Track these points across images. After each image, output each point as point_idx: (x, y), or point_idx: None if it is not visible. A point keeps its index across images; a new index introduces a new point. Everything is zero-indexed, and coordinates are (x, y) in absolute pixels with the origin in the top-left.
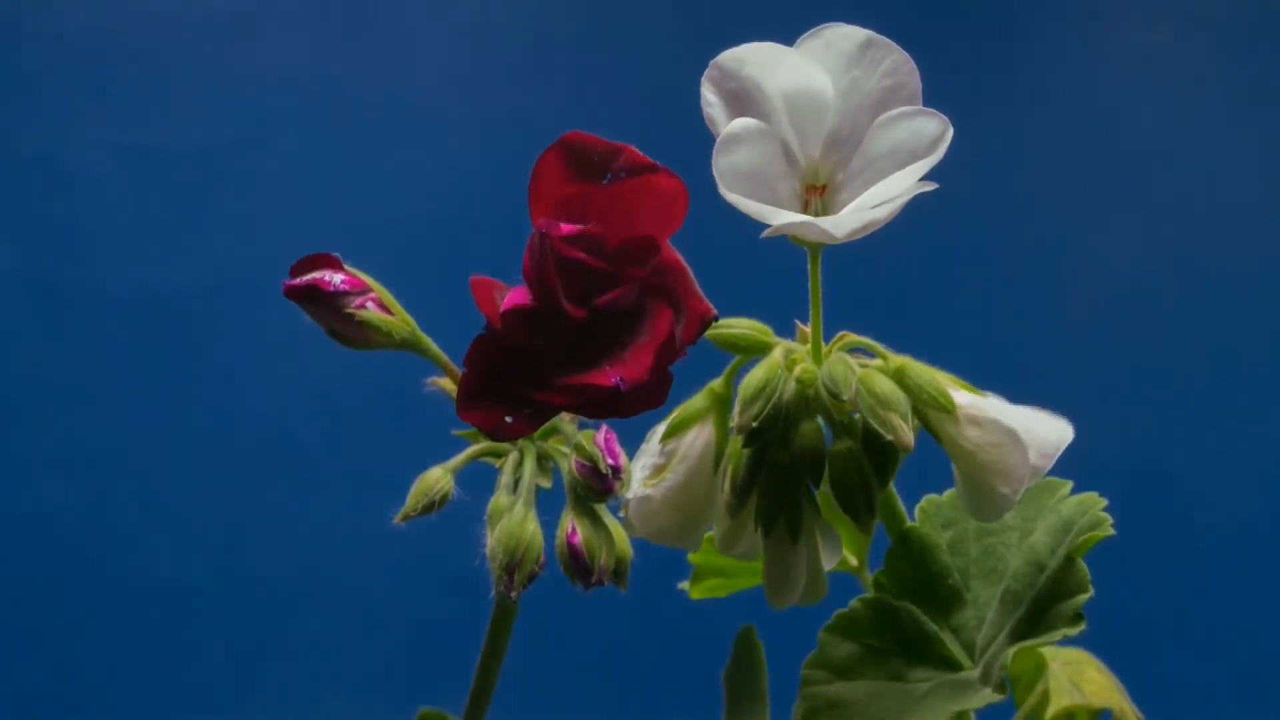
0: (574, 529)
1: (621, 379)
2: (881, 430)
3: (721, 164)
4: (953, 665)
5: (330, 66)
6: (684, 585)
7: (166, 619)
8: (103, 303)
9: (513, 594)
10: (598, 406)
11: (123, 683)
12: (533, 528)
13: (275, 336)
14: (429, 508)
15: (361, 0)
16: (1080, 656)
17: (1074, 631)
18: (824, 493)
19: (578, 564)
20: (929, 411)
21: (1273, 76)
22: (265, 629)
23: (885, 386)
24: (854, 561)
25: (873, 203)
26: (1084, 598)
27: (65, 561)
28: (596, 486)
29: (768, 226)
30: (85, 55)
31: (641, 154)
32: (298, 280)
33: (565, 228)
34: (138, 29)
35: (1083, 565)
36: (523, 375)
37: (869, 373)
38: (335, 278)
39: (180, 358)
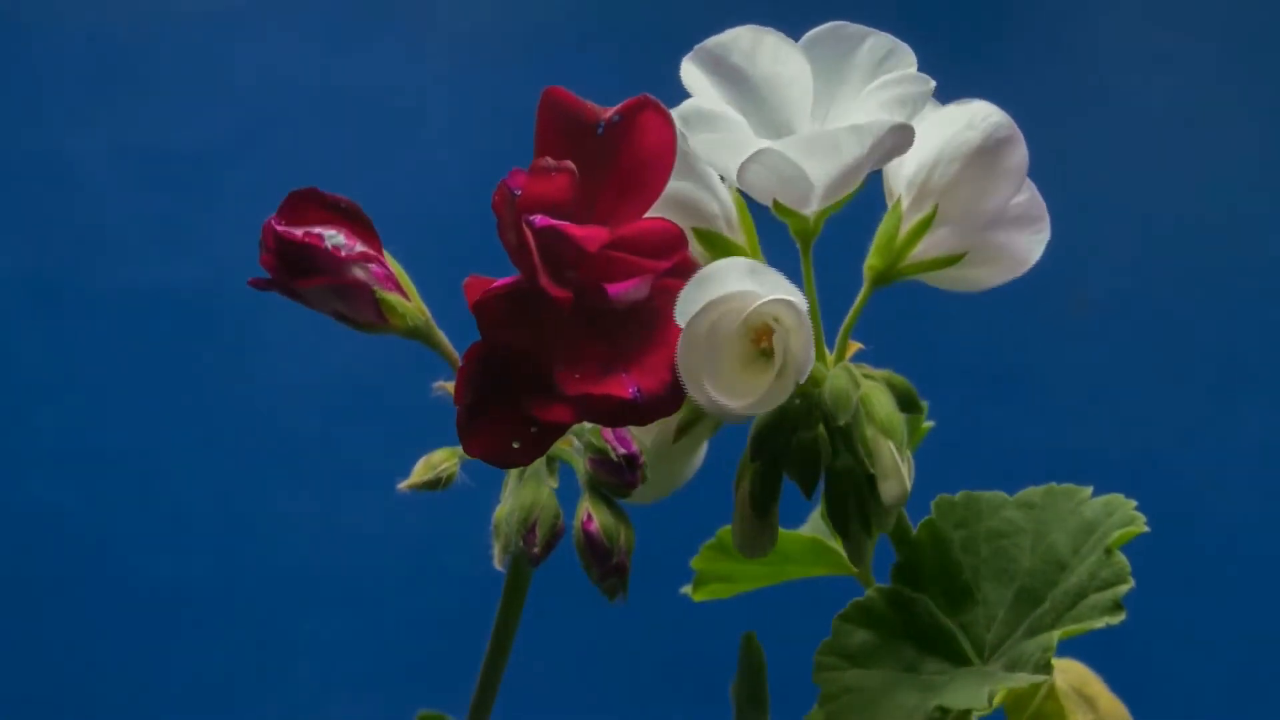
0: (589, 516)
1: (638, 390)
2: (868, 463)
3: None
4: (964, 661)
5: (330, 66)
6: (686, 590)
7: (166, 619)
8: (103, 303)
9: (536, 550)
10: (610, 417)
11: (123, 682)
12: (547, 493)
13: (276, 336)
14: (434, 484)
15: (362, 0)
16: (1081, 669)
17: (1115, 621)
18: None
19: (595, 549)
20: None
21: (1272, 75)
22: (266, 629)
23: (886, 411)
24: (856, 567)
25: (843, 124)
26: (1125, 588)
27: (64, 561)
28: (615, 480)
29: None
30: (85, 55)
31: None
32: (292, 234)
33: (523, 182)
34: (138, 29)
35: (1122, 557)
36: (522, 386)
37: (872, 390)
38: (335, 237)
39: (180, 358)
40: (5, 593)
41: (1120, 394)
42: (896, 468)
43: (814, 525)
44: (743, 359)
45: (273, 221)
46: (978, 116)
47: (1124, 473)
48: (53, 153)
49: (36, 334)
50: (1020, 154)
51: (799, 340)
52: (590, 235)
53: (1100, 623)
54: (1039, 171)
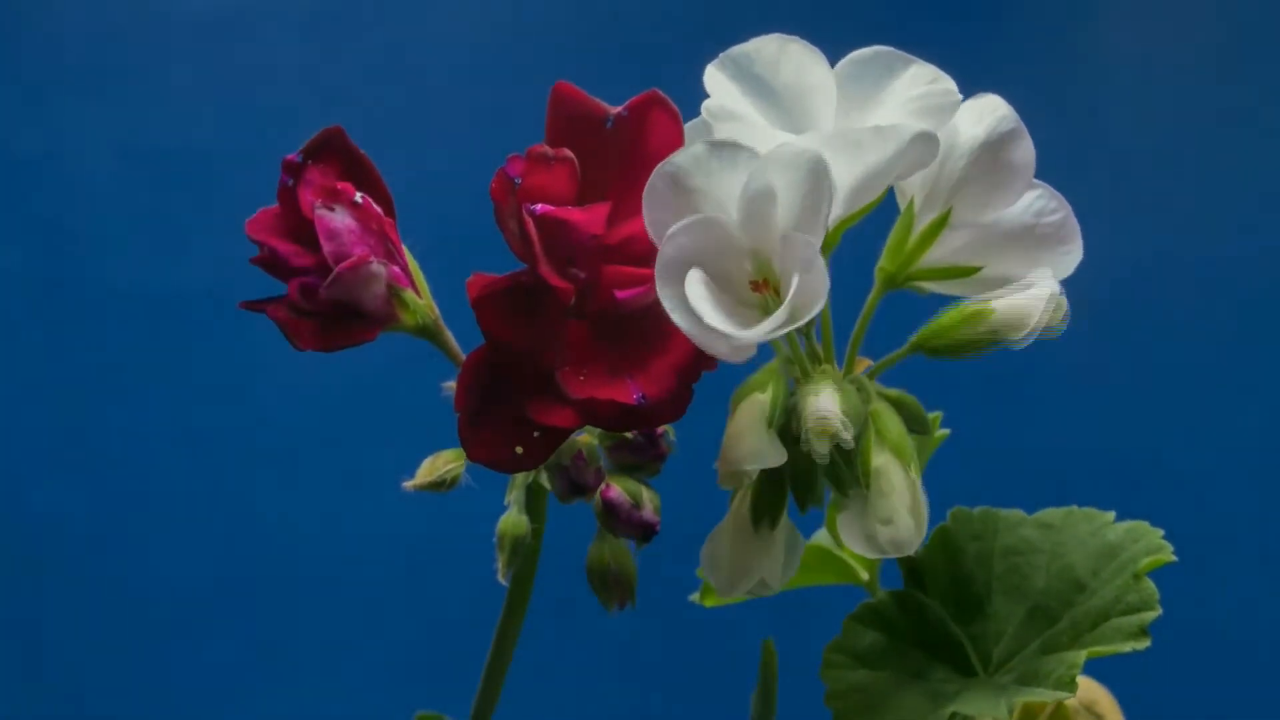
0: (608, 486)
1: (643, 396)
2: (864, 483)
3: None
4: (969, 671)
5: (330, 66)
6: (695, 597)
7: (167, 619)
8: (103, 303)
9: (599, 465)
10: (612, 422)
11: (123, 683)
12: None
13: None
14: (439, 485)
15: (362, 0)
16: (1092, 686)
17: (1141, 646)
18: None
19: (617, 509)
20: None
21: (1266, 76)
22: (266, 630)
23: (897, 432)
24: (864, 576)
25: (869, 123)
26: (1152, 615)
27: (65, 562)
28: (637, 459)
29: None
30: (85, 55)
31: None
32: (321, 208)
33: (521, 169)
34: (138, 29)
35: (1150, 584)
36: (523, 389)
37: (883, 410)
38: (346, 218)
39: (180, 358)
40: (5, 593)
41: (1120, 396)
42: (907, 510)
43: (824, 535)
44: (740, 303)
45: (297, 158)
46: (985, 111)
47: (1124, 475)
48: (53, 153)
49: (36, 334)
50: (1025, 149)
51: (808, 213)
52: (591, 218)
53: (1126, 647)
54: (1038, 172)
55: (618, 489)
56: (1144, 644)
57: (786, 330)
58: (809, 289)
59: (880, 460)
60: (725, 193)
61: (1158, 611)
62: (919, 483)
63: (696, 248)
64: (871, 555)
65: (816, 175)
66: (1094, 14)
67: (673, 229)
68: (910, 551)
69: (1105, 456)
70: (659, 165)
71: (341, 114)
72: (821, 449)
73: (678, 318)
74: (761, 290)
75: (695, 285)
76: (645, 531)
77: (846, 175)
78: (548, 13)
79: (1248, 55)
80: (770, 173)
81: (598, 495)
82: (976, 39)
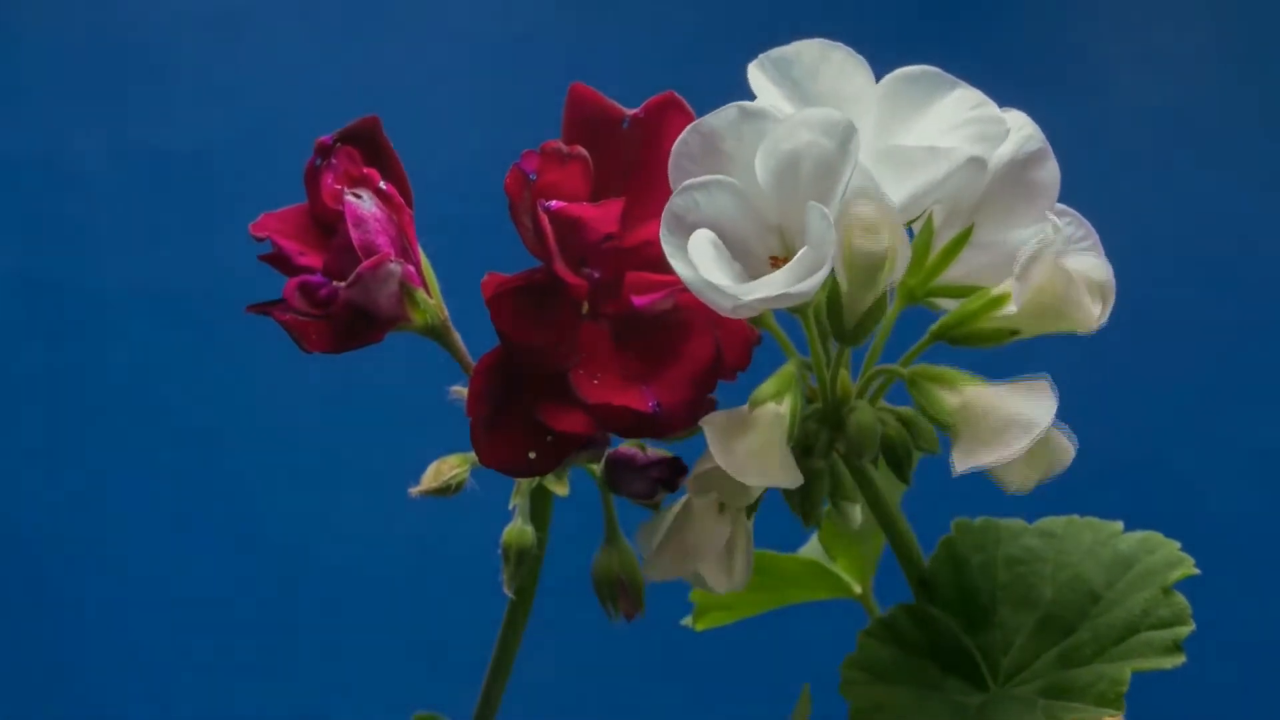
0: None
1: (658, 404)
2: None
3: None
4: (981, 683)
5: (330, 66)
6: (687, 621)
7: (167, 620)
8: (103, 303)
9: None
10: (625, 428)
11: (123, 682)
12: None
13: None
14: (444, 490)
15: (363, 0)
16: None
17: (1176, 662)
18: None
19: (632, 461)
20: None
21: (1270, 72)
22: (267, 631)
23: (948, 371)
24: (858, 589)
25: (923, 144)
26: (1186, 630)
27: (64, 562)
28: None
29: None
30: (84, 55)
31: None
32: (350, 199)
33: (536, 165)
34: (137, 29)
35: (1182, 598)
36: (536, 393)
37: (922, 369)
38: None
39: (180, 357)
40: (4, 593)
41: (1116, 395)
42: (1021, 404)
43: (812, 548)
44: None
45: (330, 140)
46: (1012, 129)
47: (1123, 475)
48: (53, 153)
49: (36, 334)
50: (1050, 168)
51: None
52: (604, 215)
53: (1167, 663)
54: None
55: (621, 446)
56: (1180, 660)
57: (783, 299)
58: (809, 259)
59: (957, 399)
60: (754, 159)
61: (1191, 626)
62: (1007, 382)
63: (714, 210)
64: (1019, 457)
65: (844, 142)
66: (1093, 6)
67: (689, 181)
68: (1050, 423)
69: (1097, 454)
70: (692, 124)
71: (343, 114)
72: (873, 246)
73: (676, 264)
74: (779, 266)
75: (700, 240)
76: (666, 468)
77: (895, 192)
78: (552, 11)
79: (1255, 48)
80: (799, 136)
81: (601, 467)
82: (973, 37)
